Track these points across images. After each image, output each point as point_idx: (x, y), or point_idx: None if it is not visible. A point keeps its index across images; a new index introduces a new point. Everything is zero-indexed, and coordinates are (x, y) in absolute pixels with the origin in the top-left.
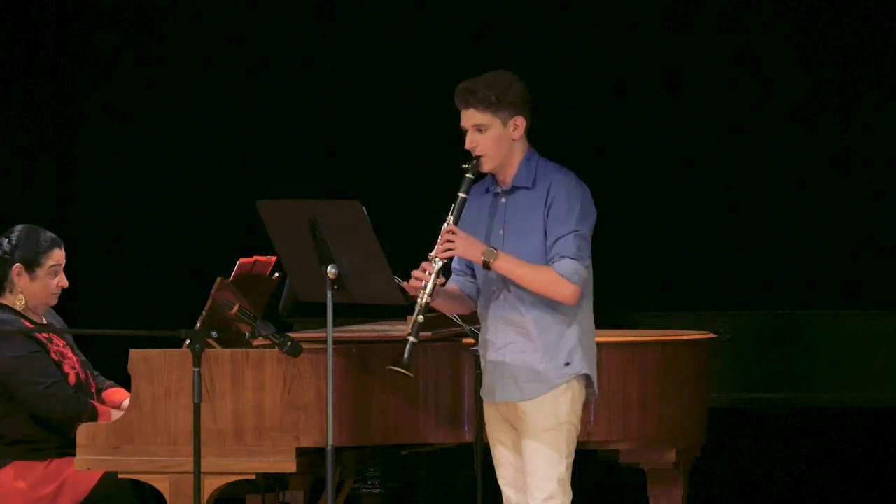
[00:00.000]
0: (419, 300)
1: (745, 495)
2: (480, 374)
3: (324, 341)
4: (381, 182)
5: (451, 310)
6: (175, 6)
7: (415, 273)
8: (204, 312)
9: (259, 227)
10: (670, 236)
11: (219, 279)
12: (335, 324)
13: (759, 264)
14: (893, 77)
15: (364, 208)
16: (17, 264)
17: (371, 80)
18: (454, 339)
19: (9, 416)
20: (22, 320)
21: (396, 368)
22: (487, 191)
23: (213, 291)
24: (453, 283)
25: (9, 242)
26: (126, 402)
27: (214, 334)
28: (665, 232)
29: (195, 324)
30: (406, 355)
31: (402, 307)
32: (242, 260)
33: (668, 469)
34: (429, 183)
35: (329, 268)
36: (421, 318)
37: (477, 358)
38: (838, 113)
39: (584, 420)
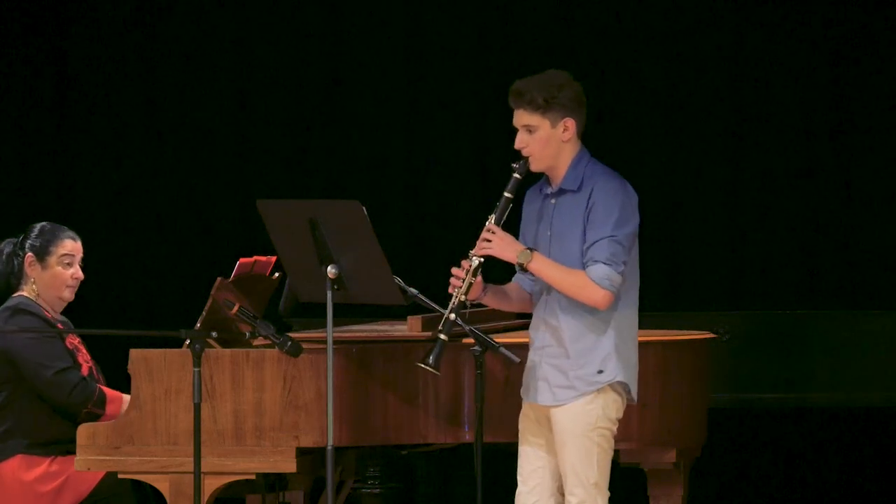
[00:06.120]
0: (454, 298)
1: (745, 495)
2: (481, 373)
3: (324, 341)
4: (381, 182)
5: (503, 307)
6: (176, 5)
7: (454, 270)
8: (204, 312)
9: (259, 227)
10: (670, 236)
11: (219, 279)
12: (335, 324)
13: (759, 264)
14: (893, 77)
15: (364, 208)
16: (28, 254)
17: (371, 80)
18: (454, 339)
19: (16, 406)
20: (41, 309)
21: (425, 366)
22: (541, 191)
23: (213, 291)
24: (514, 281)
25: (25, 237)
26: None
27: (214, 334)
28: (665, 232)
29: (195, 324)
30: (435, 353)
31: (403, 307)
32: (242, 260)
33: (668, 469)
34: (429, 183)
35: (329, 268)
36: (453, 315)
37: (477, 357)
38: (838, 112)
39: None
